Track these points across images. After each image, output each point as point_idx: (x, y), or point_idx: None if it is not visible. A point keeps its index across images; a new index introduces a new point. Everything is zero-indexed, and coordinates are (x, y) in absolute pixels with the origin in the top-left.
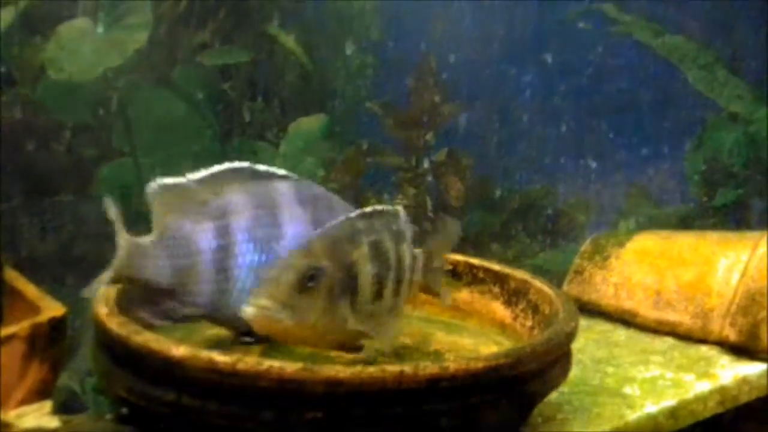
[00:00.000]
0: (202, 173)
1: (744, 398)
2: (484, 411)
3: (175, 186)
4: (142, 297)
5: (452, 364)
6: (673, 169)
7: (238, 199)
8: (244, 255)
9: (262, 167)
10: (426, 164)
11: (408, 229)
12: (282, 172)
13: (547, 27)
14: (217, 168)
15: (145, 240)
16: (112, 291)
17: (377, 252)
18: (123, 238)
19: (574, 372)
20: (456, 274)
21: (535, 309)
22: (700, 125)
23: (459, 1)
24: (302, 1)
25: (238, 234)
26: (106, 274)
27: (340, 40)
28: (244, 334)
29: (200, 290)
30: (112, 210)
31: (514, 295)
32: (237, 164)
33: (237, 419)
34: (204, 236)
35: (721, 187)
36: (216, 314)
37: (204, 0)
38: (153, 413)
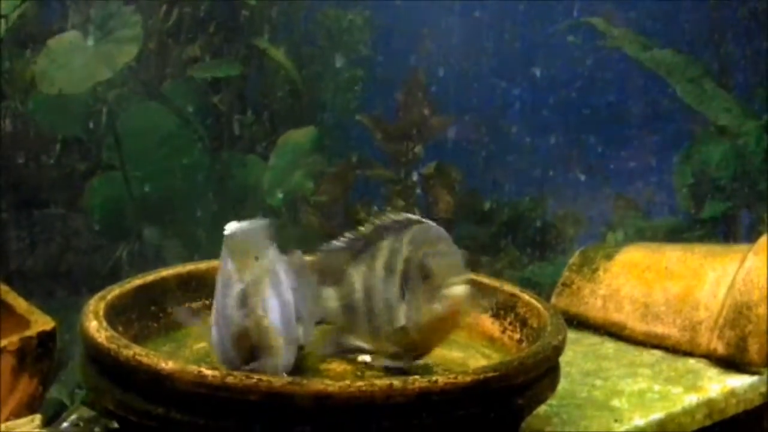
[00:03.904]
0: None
1: (731, 411)
2: (473, 424)
3: None
4: None
5: (441, 378)
6: (661, 181)
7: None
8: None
9: None
10: (415, 177)
11: None
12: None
13: (537, 41)
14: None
15: None
16: (101, 305)
17: None
18: None
19: (562, 385)
20: None
21: (523, 322)
22: (689, 138)
23: (448, 16)
24: (292, 15)
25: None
26: None
27: (330, 54)
28: None
29: None
30: None
31: (502, 308)
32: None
33: None
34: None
35: (708, 199)
36: None
37: (194, 14)
38: (142, 427)
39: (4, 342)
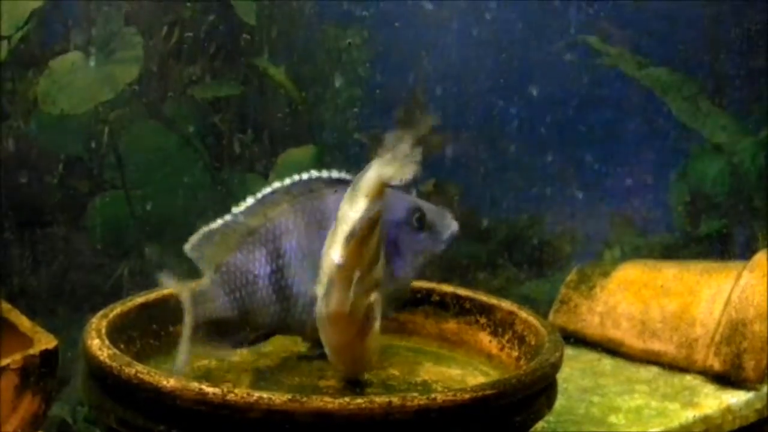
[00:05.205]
0: (248, 202)
1: (728, 427)
2: None
3: (217, 228)
4: (213, 333)
5: (439, 395)
6: (657, 199)
7: (287, 221)
8: (300, 272)
9: (312, 177)
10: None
11: None
12: (336, 175)
13: (534, 59)
14: (261, 193)
15: (203, 284)
16: (103, 323)
17: None
18: (184, 291)
19: (560, 401)
20: (443, 305)
21: (521, 339)
22: (684, 156)
23: (446, 35)
24: (292, 36)
25: (291, 254)
26: (185, 338)
27: (329, 73)
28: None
29: (265, 312)
30: (170, 282)
31: (500, 325)
32: (286, 182)
33: None
34: (257, 263)
35: (705, 217)
36: (283, 329)
37: (195, 35)
38: None
39: (8, 360)
